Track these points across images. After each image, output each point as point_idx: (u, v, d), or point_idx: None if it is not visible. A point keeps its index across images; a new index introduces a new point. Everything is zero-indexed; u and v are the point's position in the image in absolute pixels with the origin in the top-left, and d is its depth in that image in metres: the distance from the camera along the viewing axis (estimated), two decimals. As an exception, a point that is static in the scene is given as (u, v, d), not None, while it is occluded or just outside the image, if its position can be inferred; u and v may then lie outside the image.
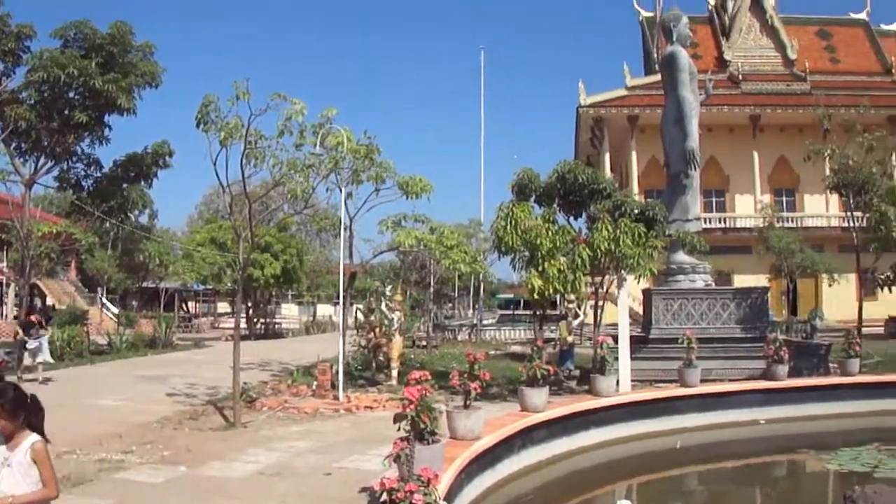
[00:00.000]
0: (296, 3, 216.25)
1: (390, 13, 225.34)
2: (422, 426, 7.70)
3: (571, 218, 19.38)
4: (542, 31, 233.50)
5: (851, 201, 23.86)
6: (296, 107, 12.72)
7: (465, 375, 11.06)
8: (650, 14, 55.78)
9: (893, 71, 54.03)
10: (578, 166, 18.90)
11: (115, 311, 47.06)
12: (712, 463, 14.68)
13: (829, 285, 34.82)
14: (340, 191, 16.98)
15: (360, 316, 20.94)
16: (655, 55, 50.58)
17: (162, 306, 48.78)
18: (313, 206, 22.48)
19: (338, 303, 21.34)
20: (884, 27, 58.66)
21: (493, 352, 25.98)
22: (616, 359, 15.92)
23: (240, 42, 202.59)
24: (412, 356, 22.70)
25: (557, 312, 22.22)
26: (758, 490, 13.34)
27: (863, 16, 58.41)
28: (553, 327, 23.82)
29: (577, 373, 19.15)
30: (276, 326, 48.18)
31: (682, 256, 21.36)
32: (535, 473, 12.34)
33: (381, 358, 19.37)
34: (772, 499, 12.93)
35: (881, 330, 33.89)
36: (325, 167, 14.75)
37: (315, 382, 16.79)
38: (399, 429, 7.74)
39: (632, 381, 16.41)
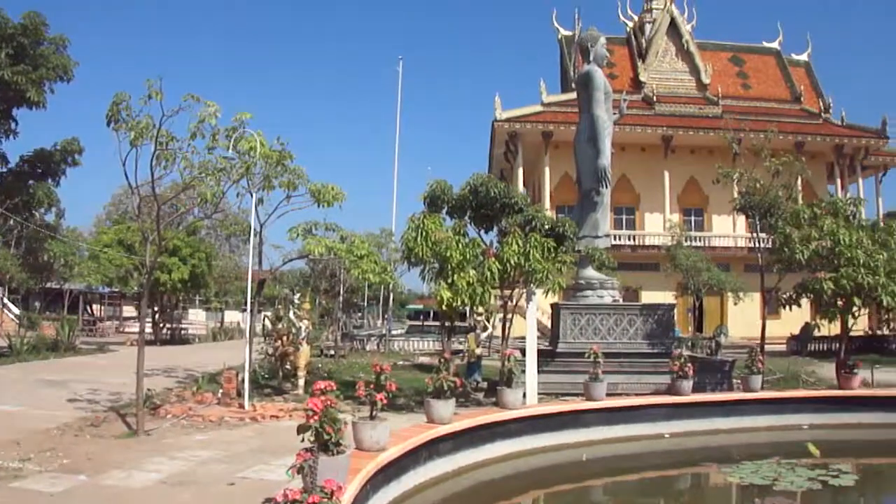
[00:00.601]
0: (217, 20, 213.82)
1: (307, 20, 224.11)
2: (326, 437, 7.61)
3: (482, 231, 19.45)
4: (462, 44, 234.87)
5: (757, 223, 24.33)
6: (209, 109, 12.49)
7: (372, 386, 10.96)
8: (569, 33, 56.46)
9: (802, 99, 55.58)
10: (491, 180, 18.98)
11: (17, 312, 45.74)
12: (618, 475, 14.84)
13: (735, 303, 35.48)
14: (251, 196, 16.75)
15: (268, 323, 20.66)
16: (572, 73, 51.23)
17: (66, 308, 47.48)
18: (223, 211, 22.25)
19: (246, 309, 21.02)
20: (794, 56, 60.38)
21: (401, 362, 25.92)
22: (523, 372, 15.99)
23: (156, 42, 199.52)
24: (319, 365, 22.48)
25: (466, 324, 22.28)
26: (662, 502, 13.53)
27: (775, 45, 60.04)
28: (461, 339, 23.90)
29: (484, 385, 19.22)
30: (183, 332, 47.23)
31: (590, 272, 21.60)
32: (440, 485, 12.32)
33: (287, 367, 19.11)
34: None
35: (783, 347, 34.75)
36: (237, 171, 14.50)
37: (220, 390, 16.46)
38: (303, 439, 7.65)
39: (539, 394, 16.51)
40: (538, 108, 50.19)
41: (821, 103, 55.73)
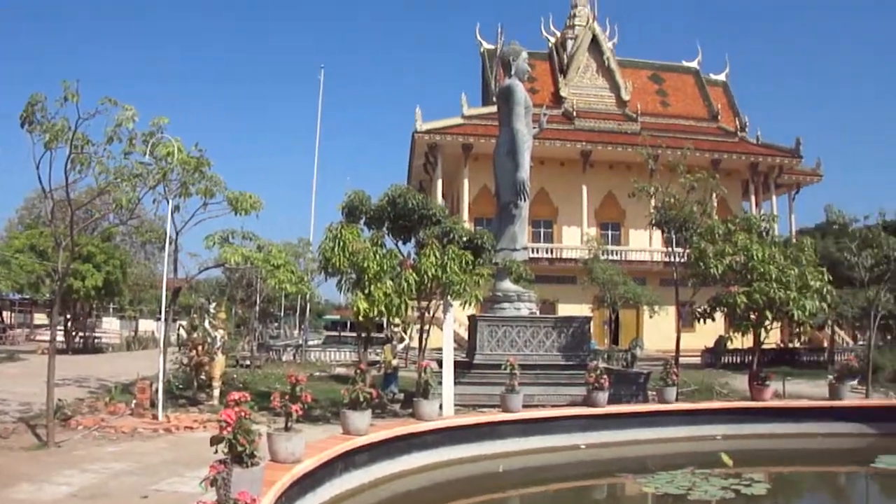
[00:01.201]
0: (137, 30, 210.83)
1: (223, 26, 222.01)
2: (240, 449, 7.51)
3: (400, 242, 19.47)
4: (385, 54, 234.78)
5: (673, 237, 24.69)
6: (127, 113, 12.25)
7: (287, 397, 10.88)
8: (491, 46, 56.75)
9: (719, 117, 56.66)
10: (409, 191, 19.01)
11: (-77, 319, 44.49)
12: (534, 486, 14.88)
13: (650, 316, 35.83)
14: (168, 203, 16.45)
15: (183, 333, 20.33)
16: (493, 87, 51.40)
17: (-27, 316, 46.36)
18: (139, 217, 21.86)
19: (160, 318, 20.67)
20: (712, 76, 61.58)
21: (317, 373, 25.70)
22: (440, 383, 15.98)
23: (72, 44, 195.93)
24: (235, 376, 22.16)
25: (383, 335, 22.18)
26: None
27: (694, 64, 61.17)
28: (378, 350, 23.78)
29: (400, 396, 19.16)
30: (96, 341, 46.25)
31: (508, 284, 21.66)
32: (357, 497, 12.21)
33: (202, 377, 18.81)
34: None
35: (698, 360, 35.33)
36: (154, 177, 14.25)
37: (134, 401, 16.08)
38: (217, 451, 7.51)
39: (455, 405, 16.51)
40: (459, 120, 50.30)
41: (737, 122, 56.89)
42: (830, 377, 21.82)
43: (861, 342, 41.82)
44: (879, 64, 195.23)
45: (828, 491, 15.82)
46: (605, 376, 18.02)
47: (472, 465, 15.31)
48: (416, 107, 50.60)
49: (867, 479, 15.90)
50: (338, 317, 65.80)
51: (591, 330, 21.83)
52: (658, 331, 41.85)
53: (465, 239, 18.60)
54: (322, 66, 59.64)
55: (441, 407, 15.80)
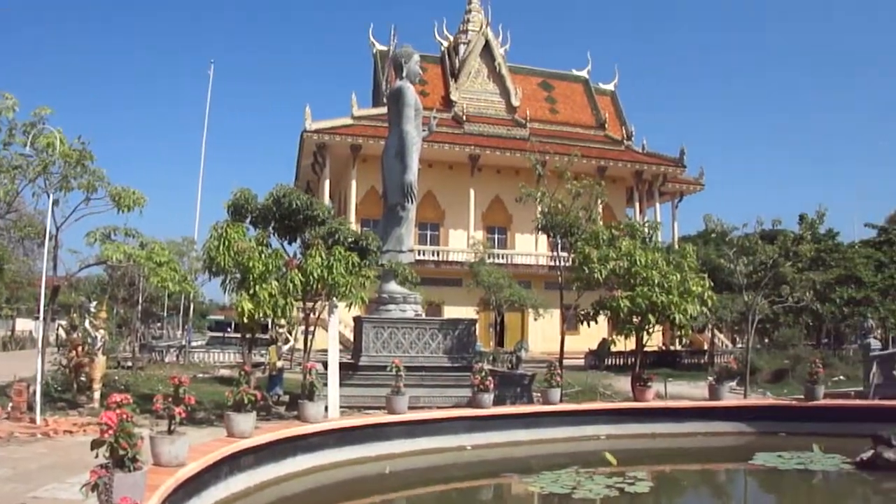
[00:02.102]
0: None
1: (113, 20, 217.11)
2: (122, 453, 7.33)
3: (286, 242, 19.25)
4: (275, 51, 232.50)
5: (558, 242, 25.04)
6: (7, 102, 11.88)
7: (170, 399, 10.65)
8: (384, 48, 56.50)
9: (606, 126, 57.65)
10: (294, 191, 18.84)
11: None
12: (420, 488, 14.86)
13: (535, 319, 36.26)
14: (48, 196, 15.97)
15: (62, 333, 19.73)
16: (384, 88, 51.27)
17: None
18: (18, 211, 21.13)
19: (38, 318, 20.05)
20: (601, 85, 62.56)
21: (201, 375, 25.26)
22: (325, 385, 15.90)
23: None
24: (116, 377, 21.59)
25: (267, 337, 21.93)
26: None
27: (584, 73, 62.02)
28: (263, 351, 23.51)
29: (286, 398, 18.97)
30: (-30, 341, 44.78)
31: (394, 286, 21.65)
32: (242, 501, 12.08)
33: (83, 378, 18.26)
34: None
35: (582, 362, 35.82)
36: (34, 169, 13.85)
37: (10, 404, 15.51)
38: (98, 455, 7.31)
39: (341, 407, 16.47)
40: (348, 120, 49.95)
41: (624, 131, 57.97)
42: (710, 378, 22.43)
43: (739, 345, 43.11)
44: (761, 80, 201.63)
45: (708, 487, 16.28)
46: (490, 378, 18.19)
47: (359, 467, 15.29)
48: (306, 106, 50.12)
49: (746, 476, 16.40)
50: (222, 317, 64.93)
51: (477, 332, 21.96)
52: (543, 333, 42.45)
53: (350, 240, 18.51)
54: (212, 62, 58.75)
55: (327, 409, 15.74)
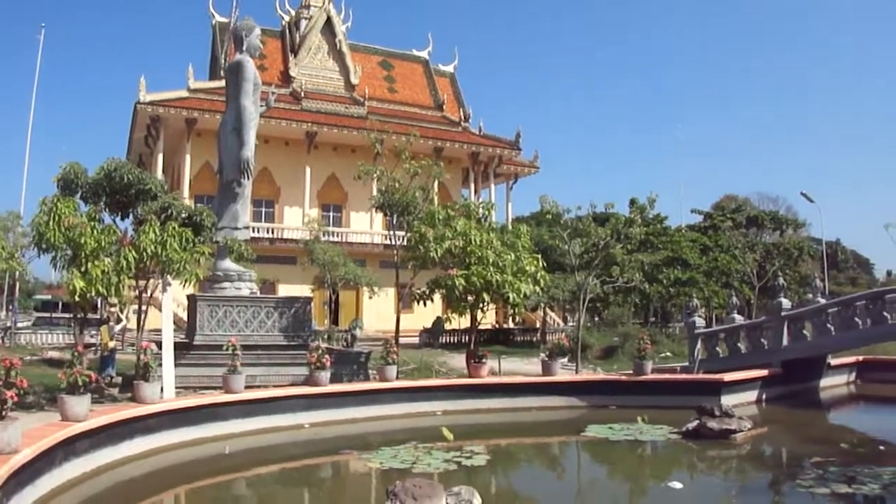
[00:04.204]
0: None
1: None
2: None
3: (118, 218, 18.73)
4: (108, 18, 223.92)
5: (394, 221, 25.16)
6: None
7: (0, 382, 10.27)
8: (224, 20, 55.06)
9: (444, 107, 58.08)
10: (125, 165, 18.32)
11: None
12: (260, 467, 14.69)
13: (370, 297, 36.43)
14: None
15: None
16: (223, 61, 50.15)
17: None
18: None
19: None
20: (441, 67, 62.80)
21: (28, 357, 24.28)
22: (160, 365, 15.64)
23: None
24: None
25: (99, 316, 21.34)
26: (305, 491, 13.61)
27: (424, 54, 62.16)
28: (94, 332, 22.84)
29: (119, 380, 18.52)
30: None
31: (228, 264, 21.41)
32: (79, 487, 11.75)
33: None
34: (319, 499, 13.25)
35: (417, 340, 36.22)
36: None
37: None
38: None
39: (177, 387, 16.25)
40: (184, 93, 48.51)
41: (461, 113, 58.51)
42: (543, 355, 23.04)
43: (571, 323, 44.32)
44: (595, 66, 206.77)
45: (543, 459, 16.78)
46: (326, 356, 18.26)
47: (197, 448, 15.09)
48: (141, 77, 48.54)
49: (578, 447, 16.95)
50: (49, 297, 62.57)
51: (312, 310, 21.92)
52: (378, 312, 42.66)
53: (184, 216, 18.18)
54: (42, 26, 56.21)
55: (162, 390, 15.48)
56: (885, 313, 21.46)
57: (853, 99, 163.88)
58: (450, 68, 63.54)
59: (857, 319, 21.93)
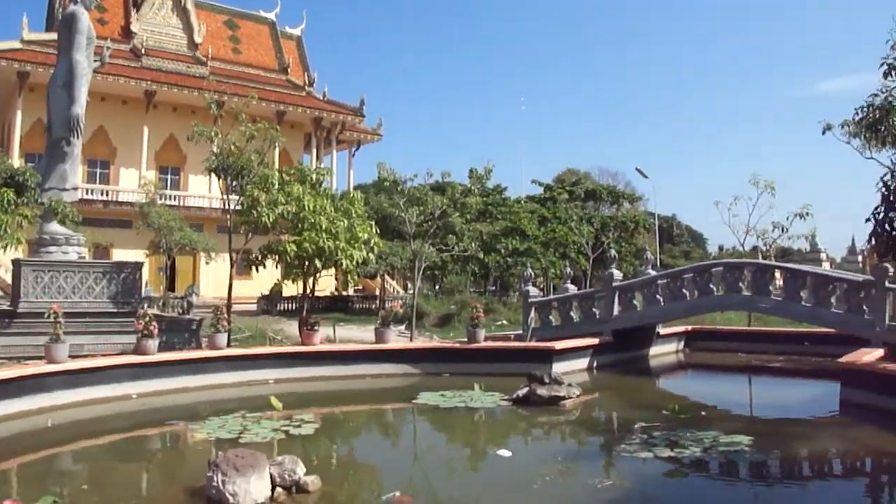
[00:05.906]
0: None
1: None
2: None
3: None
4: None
5: (229, 185, 24.75)
6: None
7: None
8: (64, -33, 52.93)
9: (289, 70, 57.45)
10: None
11: None
12: (86, 440, 14.21)
13: (207, 263, 35.89)
14: None
15: None
16: (58, 12, 48.05)
17: None
18: None
19: None
20: (288, 30, 62.02)
21: None
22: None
23: None
24: None
25: None
26: (129, 464, 13.22)
27: (271, 15, 61.17)
28: None
29: (-69, 350, 17.73)
30: None
31: (55, 227, 20.63)
32: None
33: None
34: (142, 472, 12.86)
35: (255, 307, 35.93)
36: None
37: None
38: None
39: (0, 358, 15.58)
40: (17, 44, 46.18)
41: (307, 77, 58.02)
42: (377, 322, 23.17)
43: (411, 291, 44.79)
44: (442, 39, 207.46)
45: (374, 425, 16.88)
46: (154, 323, 17.84)
47: (19, 422, 14.44)
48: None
49: (408, 414, 17.11)
50: None
51: (147, 276, 21.49)
52: (215, 278, 42.02)
53: (6, 175, 17.47)
54: None
55: (-20, 360, 14.87)
56: (712, 285, 22.38)
57: (700, 92, 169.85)
58: (297, 31, 62.89)
59: (685, 291, 22.78)
